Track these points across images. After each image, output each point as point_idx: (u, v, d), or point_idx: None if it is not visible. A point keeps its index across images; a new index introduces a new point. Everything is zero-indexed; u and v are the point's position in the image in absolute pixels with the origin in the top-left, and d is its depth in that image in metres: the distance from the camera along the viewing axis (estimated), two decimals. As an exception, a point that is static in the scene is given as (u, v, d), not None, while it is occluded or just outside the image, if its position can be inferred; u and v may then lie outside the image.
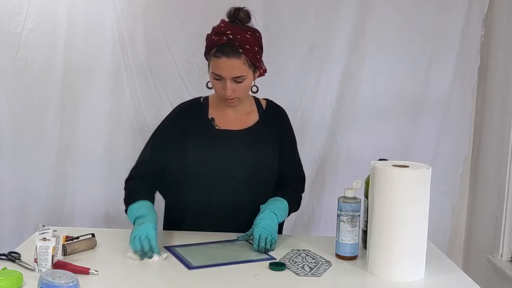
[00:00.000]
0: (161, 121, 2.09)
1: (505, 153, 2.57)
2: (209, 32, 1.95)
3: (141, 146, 2.67)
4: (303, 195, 2.15)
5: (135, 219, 1.84)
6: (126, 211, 1.93)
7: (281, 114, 2.12)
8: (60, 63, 2.66)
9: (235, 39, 1.87)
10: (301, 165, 2.16)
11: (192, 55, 2.66)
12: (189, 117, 2.03)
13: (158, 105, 2.69)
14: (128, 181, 2.04)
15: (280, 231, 2.10)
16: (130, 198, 1.94)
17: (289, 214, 2.02)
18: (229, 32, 1.88)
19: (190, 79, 2.70)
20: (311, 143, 2.78)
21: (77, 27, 2.64)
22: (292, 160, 2.12)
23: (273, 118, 2.08)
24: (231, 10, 1.95)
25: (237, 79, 1.89)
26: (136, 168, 2.06)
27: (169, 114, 2.09)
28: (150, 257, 1.72)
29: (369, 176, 1.76)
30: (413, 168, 1.63)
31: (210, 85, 1.99)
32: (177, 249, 1.82)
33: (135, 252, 1.74)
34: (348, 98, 2.77)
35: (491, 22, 2.76)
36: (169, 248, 1.83)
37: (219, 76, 1.89)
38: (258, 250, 1.81)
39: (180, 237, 1.93)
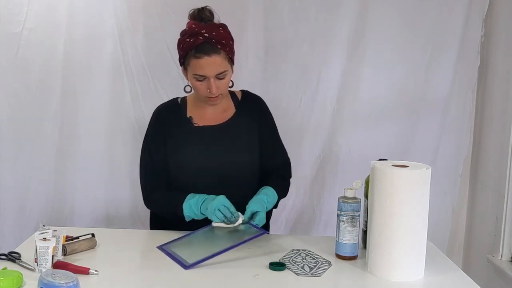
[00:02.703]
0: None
1: (505, 153, 2.57)
2: (179, 37, 1.94)
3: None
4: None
5: (201, 204, 1.86)
6: (182, 216, 1.90)
7: (257, 102, 2.11)
8: (60, 63, 2.66)
9: (211, 37, 1.88)
10: (285, 150, 2.15)
11: (192, 55, 2.66)
12: (167, 118, 2.04)
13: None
14: (148, 198, 2.03)
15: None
16: (172, 203, 1.92)
17: (278, 201, 2.02)
18: (204, 31, 1.88)
19: (190, 79, 2.70)
20: (311, 143, 2.78)
21: (77, 27, 2.64)
22: (275, 146, 2.11)
23: (249, 107, 2.08)
24: (194, 11, 1.94)
25: (219, 76, 1.90)
26: (145, 184, 2.04)
27: (150, 119, 2.08)
28: (234, 222, 1.81)
29: (369, 176, 1.76)
30: (412, 168, 1.63)
31: (188, 89, 2.01)
32: (171, 247, 1.81)
33: (221, 221, 1.83)
34: (348, 98, 2.77)
35: (491, 22, 2.76)
36: (161, 248, 1.82)
37: (202, 76, 1.89)
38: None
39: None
